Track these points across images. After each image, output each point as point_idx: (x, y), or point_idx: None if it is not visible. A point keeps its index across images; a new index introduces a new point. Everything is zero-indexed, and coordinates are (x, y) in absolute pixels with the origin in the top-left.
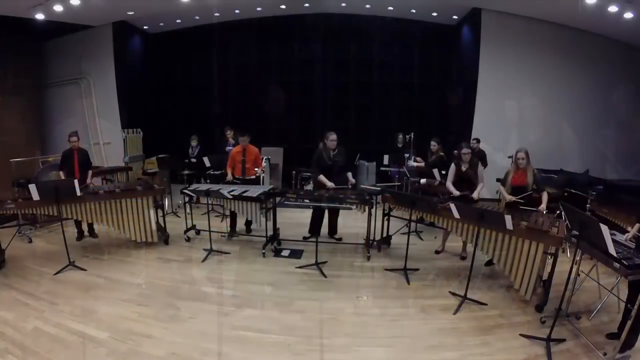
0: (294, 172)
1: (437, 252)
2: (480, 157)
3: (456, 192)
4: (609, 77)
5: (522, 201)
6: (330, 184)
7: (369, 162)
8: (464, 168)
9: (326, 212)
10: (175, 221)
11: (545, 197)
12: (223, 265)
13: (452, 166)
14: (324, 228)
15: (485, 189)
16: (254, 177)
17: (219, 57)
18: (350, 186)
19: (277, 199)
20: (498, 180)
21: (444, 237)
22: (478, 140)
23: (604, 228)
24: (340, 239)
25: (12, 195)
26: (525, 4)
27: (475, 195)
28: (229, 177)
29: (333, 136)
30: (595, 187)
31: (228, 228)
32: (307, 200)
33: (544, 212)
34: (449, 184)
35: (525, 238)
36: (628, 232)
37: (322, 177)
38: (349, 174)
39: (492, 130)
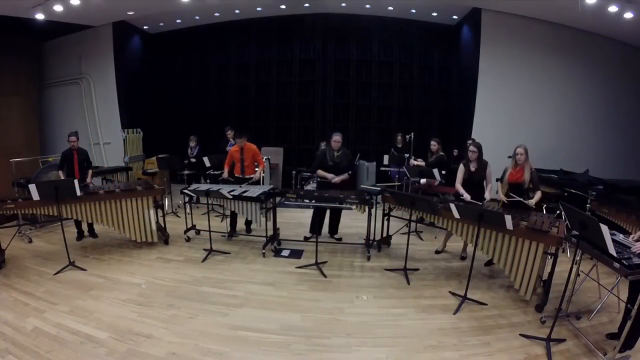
0: (294, 172)
1: (437, 252)
2: None
3: (467, 196)
4: (609, 77)
5: (506, 199)
6: (330, 176)
7: (369, 162)
8: (472, 168)
9: (328, 211)
10: (175, 221)
11: (537, 195)
12: (223, 265)
13: (461, 166)
14: (325, 227)
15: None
16: (252, 176)
17: (219, 57)
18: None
19: (277, 199)
20: (498, 180)
21: (445, 237)
22: (474, 141)
23: (604, 228)
24: (340, 239)
25: (12, 195)
26: (525, 4)
27: (487, 196)
28: (225, 174)
29: (336, 137)
30: (595, 187)
31: (228, 228)
32: (308, 200)
33: (532, 207)
34: (458, 185)
35: (525, 238)
36: (628, 232)
37: (320, 171)
38: (346, 175)
39: (492, 130)
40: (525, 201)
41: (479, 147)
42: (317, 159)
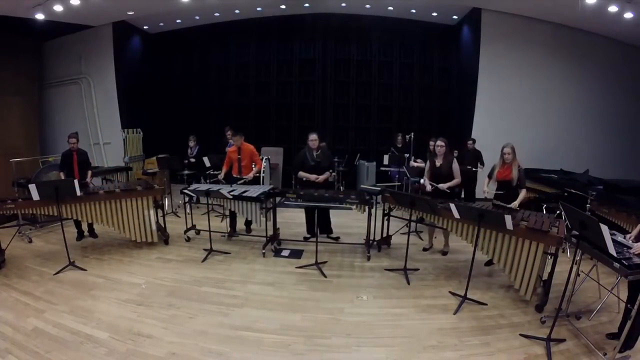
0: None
1: (424, 249)
2: (475, 156)
3: (428, 187)
4: (608, 77)
5: (495, 197)
6: (314, 177)
7: (369, 162)
8: (437, 163)
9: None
10: (175, 221)
11: (522, 195)
12: (223, 265)
13: (428, 161)
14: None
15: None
16: (245, 177)
17: (219, 57)
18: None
19: (277, 199)
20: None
21: (430, 234)
22: (474, 141)
23: (604, 228)
24: (337, 238)
25: (12, 195)
26: (525, 4)
27: (443, 186)
28: (221, 175)
29: (312, 136)
30: (595, 187)
31: (228, 228)
32: (300, 200)
33: (517, 209)
34: (425, 179)
35: (525, 238)
36: (628, 232)
37: (301, 172)
38: (328, 174)
39: (491, 130)
40: (508, 205)
41: (446, 143)
42: (297, 161)
